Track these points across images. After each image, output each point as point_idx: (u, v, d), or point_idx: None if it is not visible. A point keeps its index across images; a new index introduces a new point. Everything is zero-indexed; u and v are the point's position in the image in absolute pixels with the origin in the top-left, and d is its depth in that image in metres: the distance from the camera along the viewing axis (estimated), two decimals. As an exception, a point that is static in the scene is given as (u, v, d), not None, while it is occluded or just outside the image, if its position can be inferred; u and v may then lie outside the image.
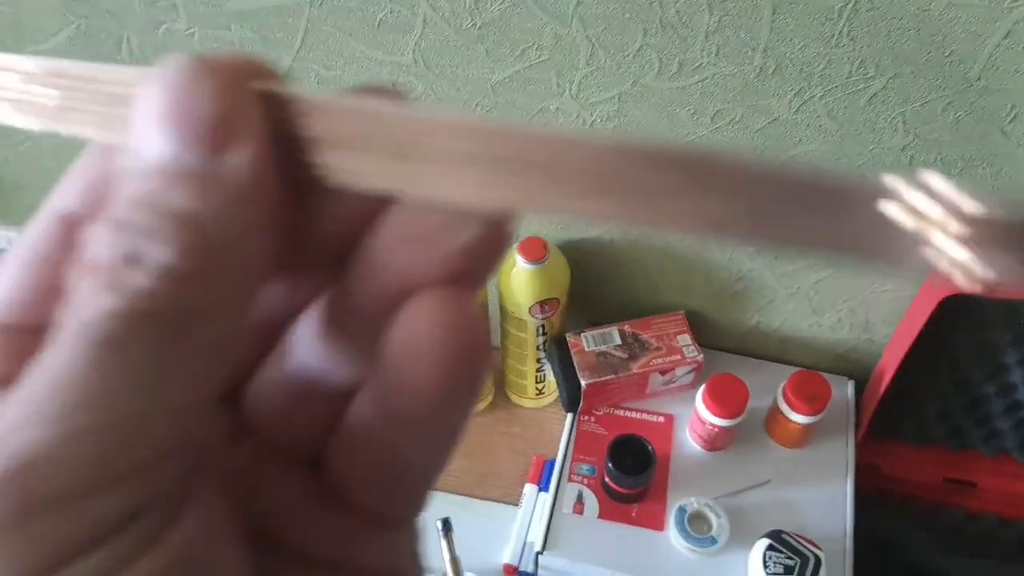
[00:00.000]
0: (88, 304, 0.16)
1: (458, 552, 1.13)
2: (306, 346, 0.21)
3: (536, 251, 1.10)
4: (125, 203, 0.16)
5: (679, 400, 1.24)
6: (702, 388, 1.15)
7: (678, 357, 1.20)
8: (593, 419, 1.23)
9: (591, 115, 0.98)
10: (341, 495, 0.21)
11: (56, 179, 0.20)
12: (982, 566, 1.18)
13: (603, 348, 1.21)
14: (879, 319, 1.18)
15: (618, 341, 1.21)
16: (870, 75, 0.86)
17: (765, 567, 1.04)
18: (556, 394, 1.31)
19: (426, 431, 0.19)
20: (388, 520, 0.22)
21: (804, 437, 1.17)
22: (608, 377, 1.18)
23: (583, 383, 1.18)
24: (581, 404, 1.21)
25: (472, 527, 1.18)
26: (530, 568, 1.12)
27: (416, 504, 0.22)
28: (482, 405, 1.33)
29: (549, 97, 0.97)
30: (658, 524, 1.12)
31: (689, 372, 1.22)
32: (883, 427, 1.20)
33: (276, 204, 0.17)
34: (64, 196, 0.19)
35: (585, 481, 1.16)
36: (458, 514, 1.16)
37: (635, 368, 1.19)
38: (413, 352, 0.18)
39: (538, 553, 1.10)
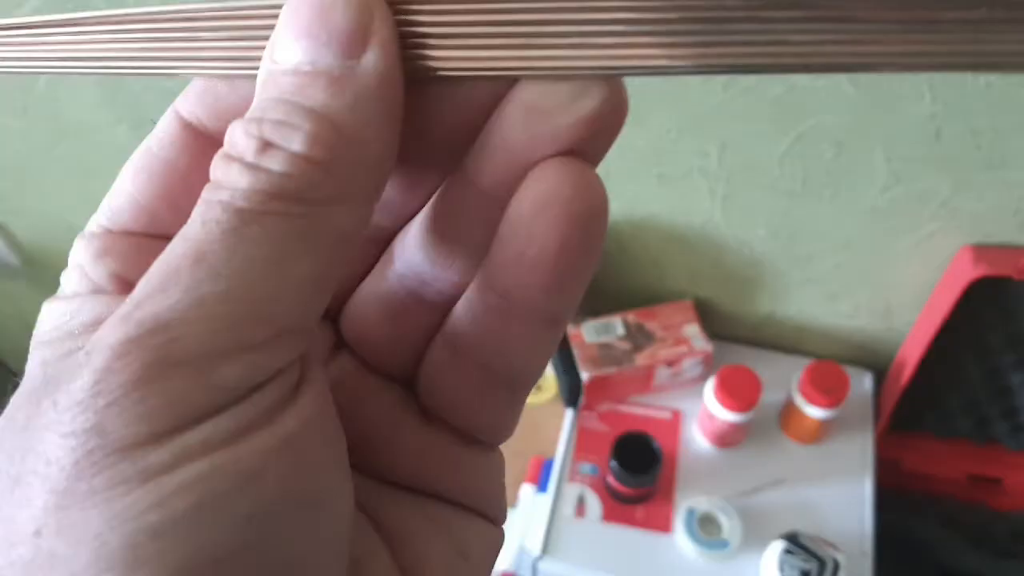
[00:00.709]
0: (227, 182, 0.17)
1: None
2: (412, 251, 0.22)
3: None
4: (263, 101, 0.18)
5: (687, 394, 1.18)
6: (711, 381, 1.09)
7: (685, 348, 1.13)
8: (595, 415, 1.17)
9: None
10: (436, 411, 0.22)
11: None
12: (1010, 567, 1.12)
13: (605, 339, 1.14)
14: (901, 305, 1.11)
15: (621, 332, 1.15)
16: (896, 36, 0.79)
17: (781, 572, 0.98)
18: (555, 389, 1.24)
19: (537, 314, 0.20)
20: (480, 439, 0.22)
21: (821, 432, 1.11)
22: (611, 370, 1.11)
23: (584, 377, 1.11)
24: (582, 399, 1.15)
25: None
26: (528, 574, 1.05)
27: (509, 419, 0.23)
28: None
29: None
30: (665, 526, 1.06)
31: (697, 364, 1.15)
32: (905, 420, 1.14)
33: (401, 101, 0.18)
34: (187, 105, 0.20)
35: (587, 481, 1.10)
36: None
37: (640, 360, 1.12)
38: (534, 217, 0.18)
39: (536, 559, 1.03)
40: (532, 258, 0.19)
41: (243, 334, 0.17)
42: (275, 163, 0.17)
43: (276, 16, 0.18)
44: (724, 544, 1.02)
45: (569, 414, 1.17)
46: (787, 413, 1.12)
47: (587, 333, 1.14)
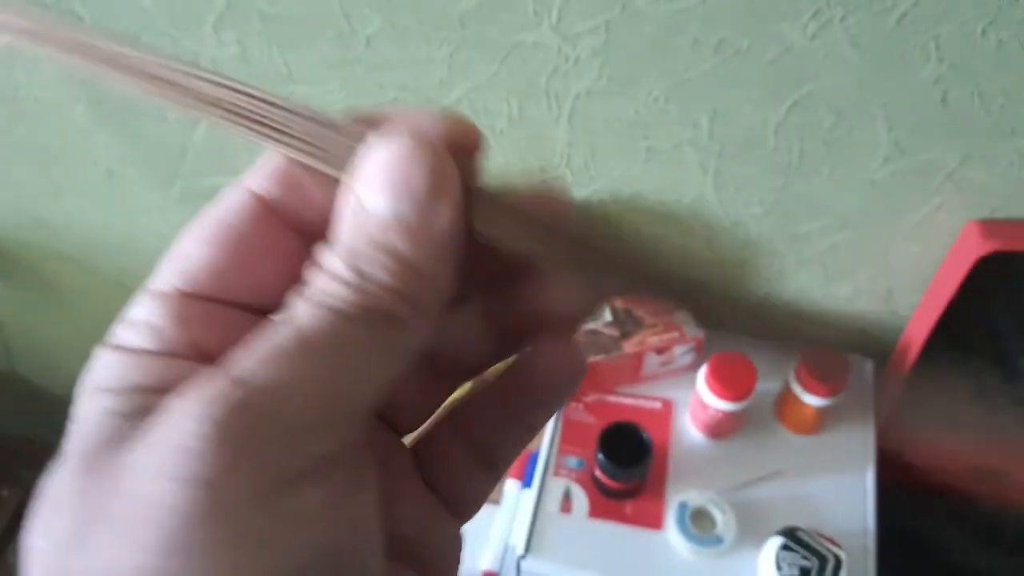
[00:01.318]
0: (329, 290, 0.21)
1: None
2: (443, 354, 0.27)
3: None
4: (356, 239, 0.21)
5: (678, 383, 1.13)
6: (704, 369, 1.04)
7: (677, 335, 1.08)
8: (581, 406, 1.11)
9: (574, 49, 0.85)
10: (431, 481, 0.27)
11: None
12: (1019, 564, 1.07)
13: (592, 326, 1.08)
14: (903, 287, 1.05)
15: (609, 318, 1.09)
16: (900, -10, 0.74)
17: (778, 569, 0.93)
18: (541, 379, 1.19)
19: (531, 427, 0.27)
20: (458, 509, 0.27)
21: (819, 422, 1.06)
22: (598, 358, 1.06)
23: (570, 365, 1.05)
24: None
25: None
26: (512, 574, 0.99)
27: (483, 496, 0.28)
28: (458, 392, 1.21)
29: (525, 28, 0.84)
30: (656, 523, 1.01)
31: (689, 351, 1.09)
32: (908, 410, 1.09)
33: (460, 245, 0.23)
34: (260, 182, 0.23)
35: (573, 476, 1.05)
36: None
37: (628, 348, 1.07)
38: (553, 375, 0.26)
39: (520, 558, 0.98)
40: (548, 396, 0.26)
41: (336, 410, 0.20)
42: (369, 288, 0.21)
43: (358, 135, 0.22)
44: (718, 541, 0.97)
45: (554, 405, 1.11)
46: (784, 402, 1.06)
47: (573, 320, 1.09)
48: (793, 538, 0.94)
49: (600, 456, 0.98)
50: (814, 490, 1.03)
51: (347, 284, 0.21)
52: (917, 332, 1.02)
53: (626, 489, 1.01)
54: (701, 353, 1.10)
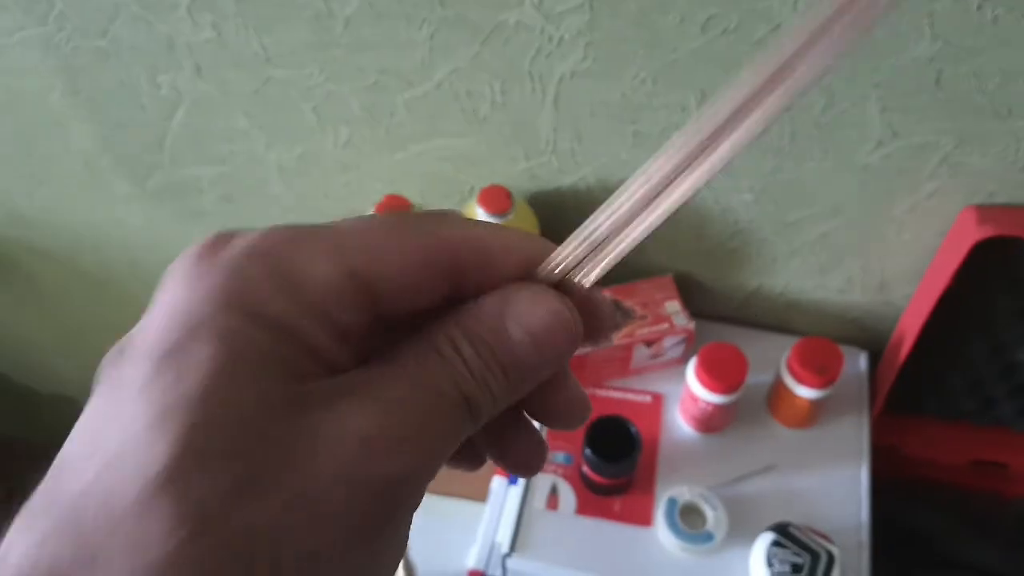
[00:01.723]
0: (461, 379, 0.25)
1: (415, 557, 0.98)
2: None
3: (499, 202, 0.95)
4: (490, 349, 0.26)
5: (668, 376, 1.10)
6: (694, 361, 1.01)
7: (666, 326, 1.05)
8: (569, 400, 1.08)
9: (557, 29, 0.82)
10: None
11: None
12: (1018, 558, 1.05)
13: (579, 317, 1.06)
14: (896, 276, 1.03)
15: (597, 309, 1.06)
16: (893, -36, 0.71)
17: (769, 566, 0.91)
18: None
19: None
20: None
21: (812, 415, 1.03)
22: (585, 351, 1.03)
23: (557, 357, 1.02)
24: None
25: (431, 528, 1.03)
26: (498, 573, 0.97)
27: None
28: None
29: (507, 8, 0.82)
30: (645, 519, 0.98)
31: (679, 343, 1.07)
32: (902, 402, 1.07)
33: None
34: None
35: (559, 471, 1.02)
36: (417, 513, 1.01)
37: (617, 340, 1.03)
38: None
39: (505, 556, 0.95)
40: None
41: (429, 476, 0.25)
42: (494, 389, 0.26)
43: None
44: (709, 537, 0.94)
45: (541, 399, 1.08)
46: (775, 395, 1.04)
47: (559, 311, 1.06)
48: (785, 534, 0.92)
49: (587, 451, 0.95)
50: (806, 485, 1.01)
51: (475, 375, 0.25)
52: (912, 322, 0.99)
53: (614, 485, 0.98)
54: (691, 345, 1.08)
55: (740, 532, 0.95)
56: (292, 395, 0.22)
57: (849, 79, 0.81)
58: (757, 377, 1.02)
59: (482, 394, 0.25)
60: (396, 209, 0.93)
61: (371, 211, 0.95)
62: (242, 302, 0.22)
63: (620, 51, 0.83)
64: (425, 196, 1.08)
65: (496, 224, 0.27)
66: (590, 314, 0.28)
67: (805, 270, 1.06)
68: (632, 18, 0.80)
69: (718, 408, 1.00)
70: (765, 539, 0.92)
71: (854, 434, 1.05)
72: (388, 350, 0.25)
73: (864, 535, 0.96)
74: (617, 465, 0.95)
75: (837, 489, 1.01)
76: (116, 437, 0.21)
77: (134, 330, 0.23)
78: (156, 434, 0.20)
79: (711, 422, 1.03)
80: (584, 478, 1.00)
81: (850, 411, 1.07)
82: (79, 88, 1.06)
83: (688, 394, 1.01)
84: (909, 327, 1.00)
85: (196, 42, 0.95)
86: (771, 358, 1.05)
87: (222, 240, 0.23)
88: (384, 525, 0.23)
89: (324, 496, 0.21)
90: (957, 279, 0.89)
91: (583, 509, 0.99)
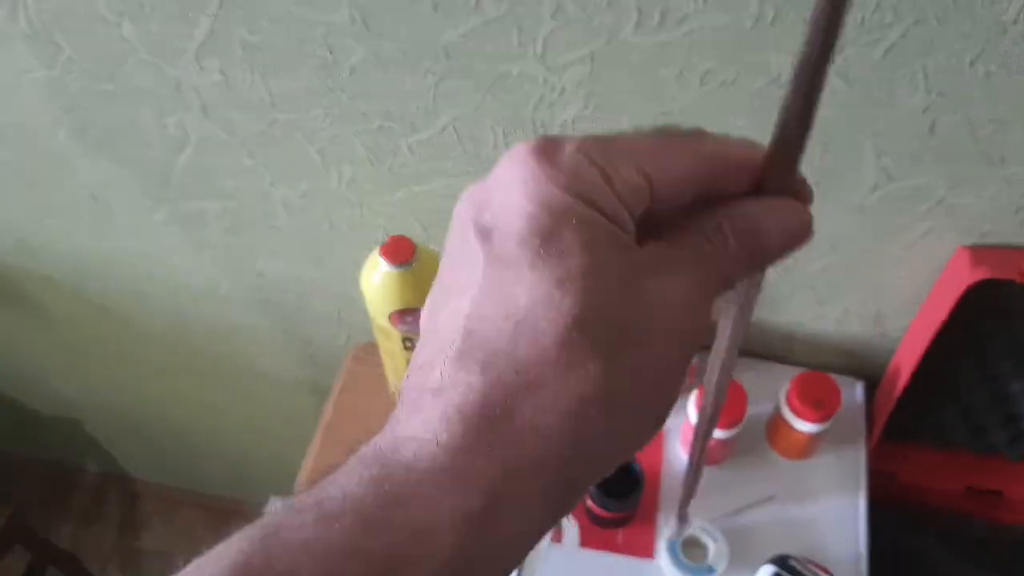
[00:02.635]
0: (727, 263, 0.31)
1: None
2: None
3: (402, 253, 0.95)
4: (761, 245, 0.32)
5: (669, 408, 1.10)
6: (694, 394, 1.02)
7: (666, 359, 1.06)
8: (572, 431, 1.09)
9: (560, 79, 0.84)
10: None
11: None
12: (1012, 585, 1.06)
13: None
14: (893, 310, 1.05)
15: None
16: (887, 21, 0.73)
17: (771, 598, 0.91)
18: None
19: None
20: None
21: (811, 447, 1.04)
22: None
23: (559, 391, 1.03)
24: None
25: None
26: (503, 605, 0.98)
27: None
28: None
29: (510, 60, 0.83)
30: (647, 551, 1.00)
31: (679, 376, 1.08)
32: (899, 431, 1.08)
33: None
34: None
35: (564, 503, 1.02)
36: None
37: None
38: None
39: (511, 589, 0.96)
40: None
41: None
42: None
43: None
44: (710, 570, 0.96)
45: (544, 431, 1.10)
46: (774, 427, 1.05)
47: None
48: (785, 566, 0.93)
49: (591, 486, 0.97)
50: (805, 515, 1.02)
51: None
52: (908, 354, 1.01)
53: (617, 518, 1.00)
54: (692, 378, 1.09)
55: (740, 564, 0.97)
56: (631, 264, 0.29)
57: (846, 126, 0.82)
58: (756, 407, 1.03)
59: (739, 275, 0.32)
60: (400, 250, 0.94)
61: (376, 250, 0.96)
62: (586, 196, 0.28)
63: (620, 101, 0.85)
64: (428, 231, 1.09)
65: (734, 139, 0.33)
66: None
67: (803, 303, 1.07)
68: (632, 70, 0.81)
69: (719, 442, 1.01)
70: (766, 571, 0.94)
71: (851, 463, 1.06)
72: (668, 232, 0.31)
73: (863, 565, 0.98)
74: (620, 500, 0.97)
75: (835, 519, 1.02)
76: (523, 302, 0.27)
77: (489, 207, 0.29)
78: (560, 296, 0.27)
79: (711, 455, 1.04)
80: (587, 511, 1.01)
81: (847, 441, 1.08)
82: (87, 127, 1.07)
83: (689, 428, 1.03)
84: (905, 359, 1.01)
85: (203, 85, 0.96)
86: (770, 388, 1.06)
87: (553, 144, 0.29)
88: (688, 363, 0.30)
89: (661, 340, 0.29)
90: (951, 316, 0.91)
91: (586, 541, 1.01)
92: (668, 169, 0.30)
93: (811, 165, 0.87)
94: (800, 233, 0.33)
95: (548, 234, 0.28)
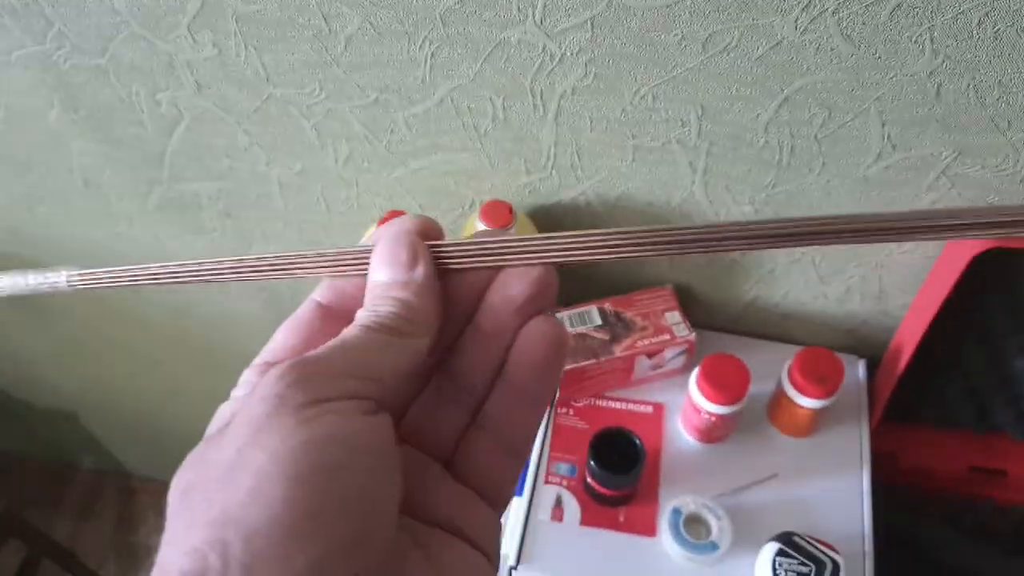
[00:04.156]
0: (360, 318, 0.32)
1: (420, 569, 0.97)
2: (454, 375, 0.36)
3: (501, 216, 0.95)
4: (374, 297, 0.33)
5: (669, 387, 1.10)
6: (695, 372, 1.01)
7: (667, 337, 1.05)
8: (571, 411, 1.08)
9: (559, 47, 0.83)
10: (465, 477, 0.34)
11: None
12: (1017, 565, 1.05)
13: (581, 329, 1.06)
14: (895, 286, 1.03)
15: (598, 321, 1.07)
16: (892, -18, 0.72)
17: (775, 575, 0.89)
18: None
19: (535, 399, 0.34)
20: (492, 498, 0.34)
21: (813, 424, 1.03)
22: (588, 362, 1.03)
23: (559, 370, 1.02)
24: (557, 394, 1.06)
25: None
26: (503, 585, 0.97)
27: (511, 482, 0.35)
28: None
29: (509, 26, 0.82)
30: (649, 529, 0.98)
31: (680, 354, 1.07)
32: (901, 410, 1.07)
33: (440, 292, 0.34)
34: (320, 295, 0.36)
35: (564, 483, 1.02)
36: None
37: (618, 351, 1.04)
38: (536, 345, 0.33)
39: (512, 568, 0.95)
40: (534, 369, 0.33)
41: (361, 372, 0.30)
42: (380, 315, 0.32)
43: (361, 255, 0.35)
44: (713, 547, 0.95)
45: (544, 411, 1.09)
46: (777, 404, 1.04)
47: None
48: (789, 543, 0.92)
49: (591, 463, 0.96)
50: (809, 493, 1.01)
51: (369, 313, 0.32)
52: (910, 331, 1.00)
53: (618, 496, 0.98)
54: (692, 355, 1.08)
55: (744, 541, 0.95)
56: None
57: (850, 93, 0.81)
58: (757, 386, 1.01)
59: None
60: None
61: (373, 228, 0.95)
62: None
63: (621, 68, 0.83)
64: (426, 211, 1.08)
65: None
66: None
67: (804, 281, 1.06)
68: (633, 36, 0.80)
69: (721, 419, 1.00)
70: (770, 549, 0.92)
71: (854, 442, 1.05)
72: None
73: (867, 543, 0.96)
74: (621, 477, 0.96)
75: (838, 498, 1.01)
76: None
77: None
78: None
79: (713, 432, 1.03)
80: (588, 489, 1.00)
81: (849, 419, 1.07)
82: (78, 105, 1.05)
83: (690, 405, 1.02)
84: (908, 336, 1.00)
85: (196, 60, 0.95)
86: (771, 367, 1.05)
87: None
88: None
89: None
90: (955, 290, 0.89)
91: (588, 520, 0.99)
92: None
93: (812, 134, 0.86)
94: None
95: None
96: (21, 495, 2.16)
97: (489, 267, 0.34)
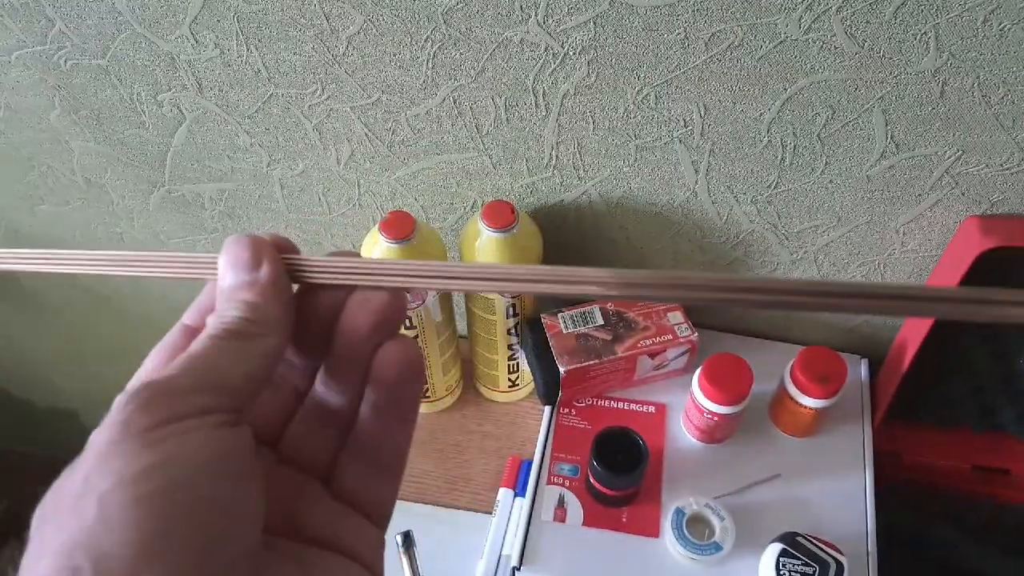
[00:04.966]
0: (208, 327, 0.33)
1: (423, 569, 0.98)
2: (320, 395, 0.38)
3: (503, 217, 0.95)
4: (221, 301, 0.34)
5: (672, 387, 1.10)
6: (698, 372, 1.01)
7: (669, 337, 1.05)
8: (574, 412, 1.08)
9: (562, 46, 0.82)
10: (343, 494, 0.37)
11: None
12: (1019, 564, 1.05)
13: (583, 329, 1.06)
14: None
15: (600, 321, 1.07)
16: (896, -20, 0.71)
17: (779, 576, 0.89)
18: (532, 385, 1.16)
19: (400, 418, 0.37)
20: (370, 513, 0.37)
21: (816, 424, 1.03)
22: (590, 362, 1.03)
23: (562, 370, 1.02)
24: (560, 395, 1.06)
25: (439, 540, 1.03)
26: (506, 586, 0.97)
27: (389, 498, 0.38)
28: (449, 400, 1.18)
29: (511, 25, 0.82)
30: (652, 530, 0.98)
31: (682, 354, 1.07)
32: (904, 409, 1.07)
33: (290, 295, 0.35)
34: (188, 317, 0.37)
35: (567, 483, 1.02)
36: (423, 526, 1.02)
37: (621, 351, 1.04)
38: (391, 369, 0.35)
39: (515, 568, 0.95)
40: (393, 384, 0.35)
41: (209, 384, 0.30)
42: (226, 319, 0.33)
43: (209, 260, 0.36)
44: (716, 547, 0.94)
45: (547, 411, 1.09)
46: (779, 404, 1.04)
47: (564, 323, 1.06)
48: (793, 544, 0.92)
49: (594, 463, 0.95)
50: (812, 493, 1.01)
51: (215, 320, 0.33)
52: (913, 330, 1.00)
53: (621, 496, 0.98)
54: (695, 355, 1.08)
55: (747, 542, 0.95)
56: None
57: (852, 92, 0.81)
58: (759, 386, 1.01)
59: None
60: (401, 225, 0.93)
61: (375, 229, 0.94)
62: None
63: (623, 67, 0.83)
64: (428, 211, 1.08)
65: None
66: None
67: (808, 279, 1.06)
68: (636, 35, 0.80)
69: (724, 418, 1.00)
70: (774, 549, 0.92)
71: (856, 442, 1.05)
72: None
73: (870, 543, 0.96)
74: (624, 477, 0.95)
75: (841, 497, 1.00)
76: None
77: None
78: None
79: (716, 432, 1.03)
80: (591, 490, 1.00)
81: (851, 419, 1.07)
82: (79, 106, 1.05)
83: (693, 405, 1.01)
84: (910, 336, 1.00)
85: (198, 60, 0.94)
86: (773, 367, 1.05)
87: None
88: None
89: None
90: (961, 286, 0.89)
91: (591, 521, 0.99)
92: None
93: (815, 133, 0.86)
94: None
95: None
96: (22, 495, 2.15)
97: (343, 285, 0.35)
